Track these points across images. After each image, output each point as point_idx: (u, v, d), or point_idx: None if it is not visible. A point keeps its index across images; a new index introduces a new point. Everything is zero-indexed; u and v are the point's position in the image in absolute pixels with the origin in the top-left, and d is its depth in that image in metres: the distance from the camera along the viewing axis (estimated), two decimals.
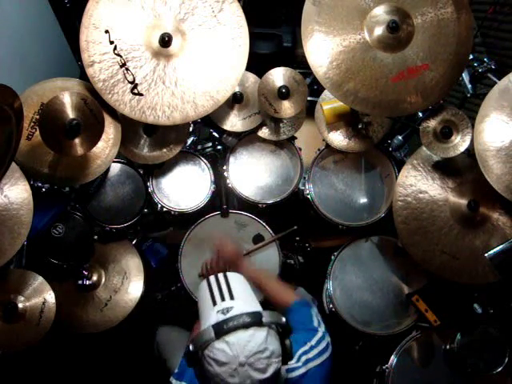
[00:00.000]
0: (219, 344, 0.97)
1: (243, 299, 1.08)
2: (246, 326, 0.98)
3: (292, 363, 1.14)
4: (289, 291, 1.43)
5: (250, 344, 0.97)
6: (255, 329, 0.99)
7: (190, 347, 1.00)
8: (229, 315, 1.01)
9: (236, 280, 1.15)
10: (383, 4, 1.39)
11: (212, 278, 1.14)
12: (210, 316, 1.04)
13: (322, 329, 1.26)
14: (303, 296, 1.38)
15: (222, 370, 0.96)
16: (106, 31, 1.40)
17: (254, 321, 0.99)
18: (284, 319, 1.04)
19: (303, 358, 1.16)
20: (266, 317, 1.01)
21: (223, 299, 1.07)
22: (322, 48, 1.38)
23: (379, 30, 1.38)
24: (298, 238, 2.06)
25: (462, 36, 1.39)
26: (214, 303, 1.07)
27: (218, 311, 1.04)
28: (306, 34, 1.39)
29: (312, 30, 1.38)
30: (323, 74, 1.39)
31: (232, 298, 1.07)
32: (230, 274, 1.16)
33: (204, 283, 1.15)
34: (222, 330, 0.98)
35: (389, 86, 1.39)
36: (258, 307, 1.07)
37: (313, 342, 1.21)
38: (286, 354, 1.03)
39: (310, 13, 1.39)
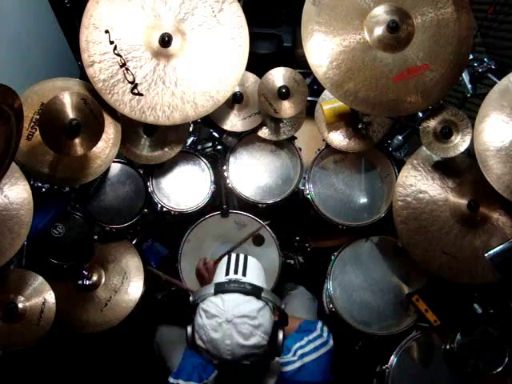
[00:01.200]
0: (215, 298, 1.03)
1: (254, 280, 1.12)
2: (245, 293, 1.03)
3: (287, 357, 1.16)
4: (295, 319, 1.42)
5: (242, 306, 1.01)
6: (253, 298, 1.03)
7: (190, 298, 1.06)
8: (234, 278, 1.08)
9: (254, 263, 1.21)
10: (383, 4, 1.39)
11: (233, 255, 1.21)
12: (219, 280, 1.10)
13: (323, 331, 1.26)
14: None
15: (208, 321, 1.01)
16: (106, 31, 1.40)
17: (254, 292, 1.04)
18: (283, 305, 1.10)
19: (299, 352, 1.19)
20: (266, 294, 1.05)
21: (236, 272, 1.13)
22: (322, 48, 1.38)
23: (379, 30, 1.38)
24: (297, 238, 2.06)
25: (462, 36, 1.39)
26: (227, 273, 1.14)
27: (226, 279, 1.10)
28: (306, 34, 1.39)
29: (312, 30, 1.38)
30: (323, 74, 1.39)
31: (244, 274, 1.13)
32: (250, 258, 1.22)
33: (225, 258, 1.22)
34: (221, 287, 1.04)
35: (389, 86, 1.39)
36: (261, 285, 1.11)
37: (310, 338, 1.23)
38: (275, 344, 1.05)
39: (309, 13, 1.39)
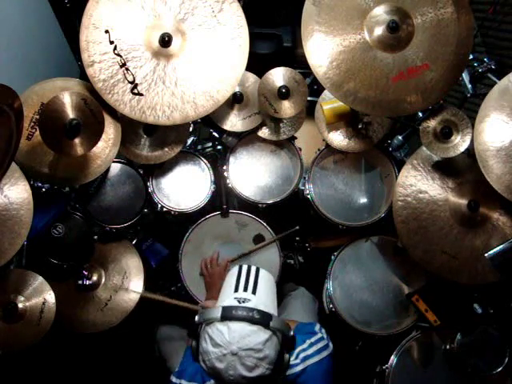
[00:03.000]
0: (221, 326, 0.99)
1: (263, 298, 1.09)
2: (252, 321, 0.99)
3: (290, 360, 1.15)
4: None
5: (249, 338, 0.97)
6: (260, 328, 0.99)
7: (196, 318, 1.03)
8: (242, 305, 1.03)
9: (265, 278, 1.16)
10: (383, 4, 1.39)
11: (245, 267, 1.17)
12: (227, 299, 1.07)
13: (322, 333, 1.25)
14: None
15: (213, 350, 0.98)
16: (106, 31, 1.40)
17: (262, 321, 1.00)
18: (292, 333, 1.04)
19: (301, 355, 1.17)
20: (275, 322, 1.01)
21: (245, 290, 1.09)
22: (322, 48, 1.38)
23: (379, 30, 1.38)
24: (298, 238, 2.06)
25: (462, 36, 1.39)
26: (236, 290, 1.10)
27: (235, 298, 1.06)
28: (306, 34, 1.39)
29: (312, 30, 1.38)
30: (323, 74, 1.39)
31: (254, 292, 1.09)
32: (262, 271, 1.17)
33: (236, 268, 1.17)
34: (229, 314, 0.99)
35: (389, 86, 1.39)
36: (272, 311, 1.06)
37: (312, 340, 1.21)
38: (281, 367, 1.03)
39: (310, 13, 1.39)
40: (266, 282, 1.16)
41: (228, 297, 1.08)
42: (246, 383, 0.98)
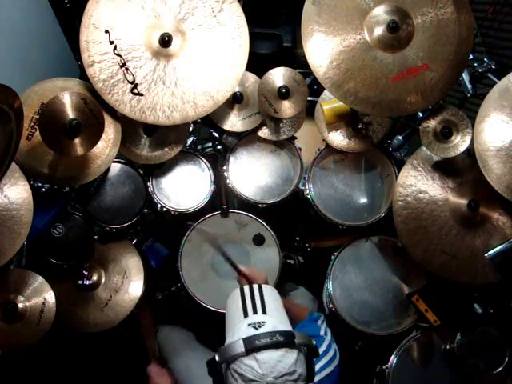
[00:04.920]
0: (248, 360, 0.93)
1: (276, 315, 1.05)
2: (278, 346, 0.94)
3: None
4: (302, 308, 1.40)
5: (281, 364, 0.93)
6: (286, 350, 0.95)
7: (217, 357, 0.96)
8: (261, 331, 0.97)
9: (270, 294, 1.11)
10: (383, 4, 1.39)
11: (246, 288, 1.11)
12: (240, 328, 1.00)
13: (328, 337, 1.23)
14: (311, 310, 1.36)
15: None
16: (106, 31, 1.40)
17: (287, 341, 0.95)
18: (314, 342, 1.01)
19: (316, 367, 1.10)
20: (298, 338, 0.97)
21: (255, 312, 1.04)
22: (322, 48, 1.38)
23: (379, 30, 1.38)
24: (298, 238, 2.06)
25: (462, 36, 1.39)
26: (246, 315, 1.04)
27: (249, 324, 1.00)
28: (306, 34, 1.39)
29: (312, 29, 1.38)
30: (323, 74, 1.39)
31: (264, 312, 1.04)
32: (264, 287, 1.12)
33: (237, 292, 1.11)
34: (253, 346, 0.93)
35: (389, 85, 1.39)
36: (289, 326, 1.03)
37: (323, 348, 1.18)
38: (310, 378, 0.99)
39: (309, 13, 1.39)
40: (271, 295, 1.11)
41: (241, 326, 1.01)
42: None
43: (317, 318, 1.35)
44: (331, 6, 1.38)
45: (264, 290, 1.11)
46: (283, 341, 0.94)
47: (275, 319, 1.03)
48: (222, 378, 0.97)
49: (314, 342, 1.01)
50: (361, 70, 1.39)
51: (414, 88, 1.40)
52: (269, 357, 0.93)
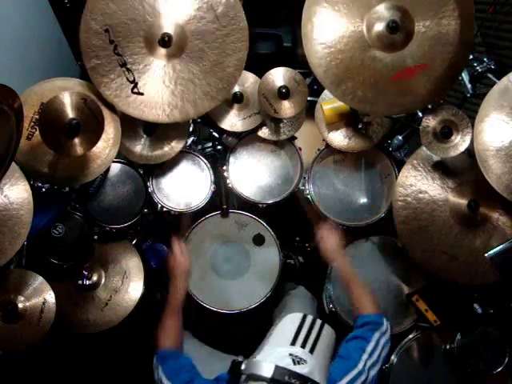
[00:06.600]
0: None
1: (320, 361, 1.02)
2: None
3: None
4: (373, 302, 1.32)
5: None
6: None
7: (243, 366, 0.95)
8: (297, 369, 0.94)
9: (327, 337, 1.08)
10: (387, 1, 1.36)
11: (309, 318, 1.09)
12: (280, 352, 0.99)
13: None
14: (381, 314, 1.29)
15: None
16: (106, 30, 1.40)
17: None
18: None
19: (369, 363, 1.09)
20: None
21: (303, 346, 1.02)
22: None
23: (379, 27, 1.36)
24: (298, 238, 2.06)
25: (462, 36, 1.39)
26: (293, 343, 1.02)
27: (290, 354, 0.98)
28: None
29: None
30: (322, 73, 1.39)
31: (312, 351, 1.02)
32: (326, 327, 1.09)
33: (299, 315, 1.09)
34: (280, 378, 0.91)
35: (387, 85, 1.39)
36: (324, 380, 1.00)
37: (384, 339, 1.14)
38: None
39: None
40: (327, 339, 1.08)
41: (281, 350, 0.99)
42: None
43: (379, 325, 1.20)
44: None
45: (324, 329, 1.09)
46: None
47: (317, 364, 0.99)
48: (238, 383, 0.96)
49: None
50: (359, 70, 1.38)
51: (413, 88, 1.40)
52: None
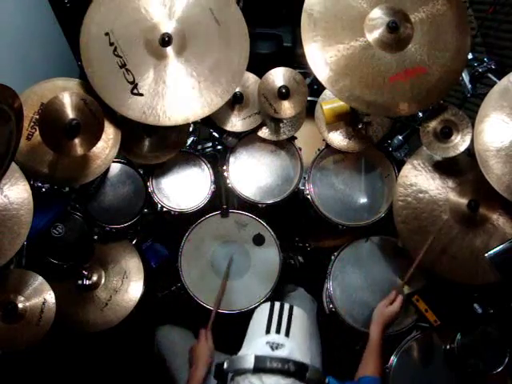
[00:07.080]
0: (254, 379, 0.93)
1: (297, 342, 1.02)
2: (287, 374, 0.93)
3: None
4: (377, 367, 1.37)
5: None
6: (294, 381, 0.94)
7: (225, 365, 0.97)
8: (276, 353, 0.96)
9: (299, 318, 1.08)
10: (379, 6, 1.38)
11: (277, 304, 1.09)
12: (258, 343, 1.00)
13: None
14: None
15: None
16: (106, 33, 1.40)
17: (297, 372, 0.94)
18: (327, 381, 0.99)
19: None
20: (310, 373, 0.95)
21: (278, 332, 1.02)
22: (321, 57, 1.38)
23: (378, 33, 1.37)
24: (297, 238, 2.06)
25: (462, 36, 1.40)
26: (268, 331, 1.03)
27: (267, 342, 0.99)
28: (307, 47, 1.38)
29: (312, 41, 1.37)
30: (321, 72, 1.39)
31: (287, 335, 1.02)
32: (296, 309, 1.09)
33: (267, 305, 1.10)
34: (262, 366, 0.93)
35: (386, 85, 1.39)
36: (306, 358, 1.01)
37: None
38: None
39: (307, 28, 1.37)
40: (300, 320, 1.08)
41: (258, 341, 1.01)
42: None
43: None
44: (328, 16, 1.37)
45: (294, 311, 1.09)
46: (293, 371, 0.93)
47: (295, 345, 1.00)
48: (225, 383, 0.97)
49: (327, 381, 0.99)
50: (358, 67, 1.38)
51: (412, 88, 1.40)
52: (275, 382, 0.92)
